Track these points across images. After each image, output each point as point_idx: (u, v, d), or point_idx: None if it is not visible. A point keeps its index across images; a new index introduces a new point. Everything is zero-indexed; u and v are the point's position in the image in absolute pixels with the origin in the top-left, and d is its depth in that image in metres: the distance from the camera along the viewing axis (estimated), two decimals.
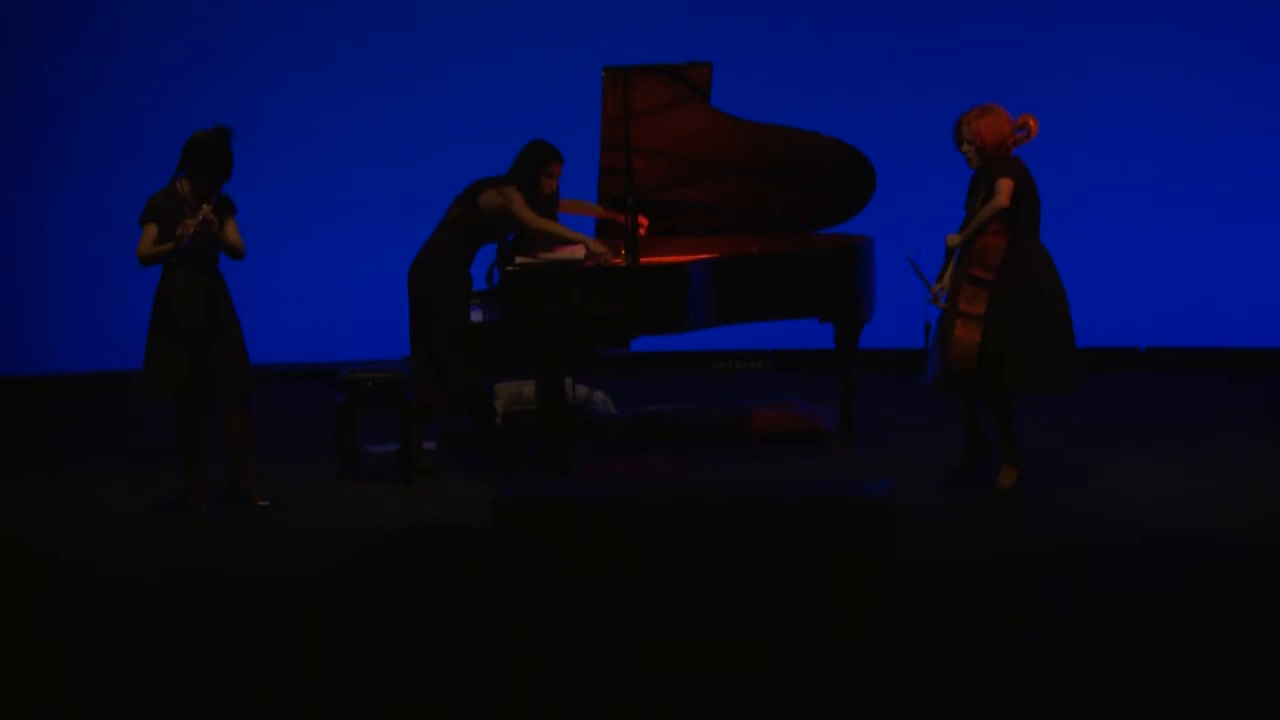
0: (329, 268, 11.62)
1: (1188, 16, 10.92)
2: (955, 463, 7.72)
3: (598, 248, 8.03)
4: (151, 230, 7.45)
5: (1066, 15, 11.00)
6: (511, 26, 11.55)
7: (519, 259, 8.02)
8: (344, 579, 5.30)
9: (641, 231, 8.09)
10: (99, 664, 5.40)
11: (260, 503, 7.69)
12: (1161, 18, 10.94)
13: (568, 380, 8.41)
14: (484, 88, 11.50)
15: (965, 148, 7.42)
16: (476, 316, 7.99)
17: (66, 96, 11.73)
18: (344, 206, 11.64)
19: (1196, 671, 4.98)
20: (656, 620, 5.33)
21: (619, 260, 8.04)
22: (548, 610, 5.38)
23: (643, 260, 7.93)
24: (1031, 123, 7.39)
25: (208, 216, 7.38)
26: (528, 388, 8.70)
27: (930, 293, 7.44)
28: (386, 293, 9.07)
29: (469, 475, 8.25)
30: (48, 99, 11.74)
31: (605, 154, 8.22)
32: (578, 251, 8.10)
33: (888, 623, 5.34)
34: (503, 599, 5.28)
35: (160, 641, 5.62)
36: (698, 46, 9.15)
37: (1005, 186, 7.27)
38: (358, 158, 11.67)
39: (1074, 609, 5.65)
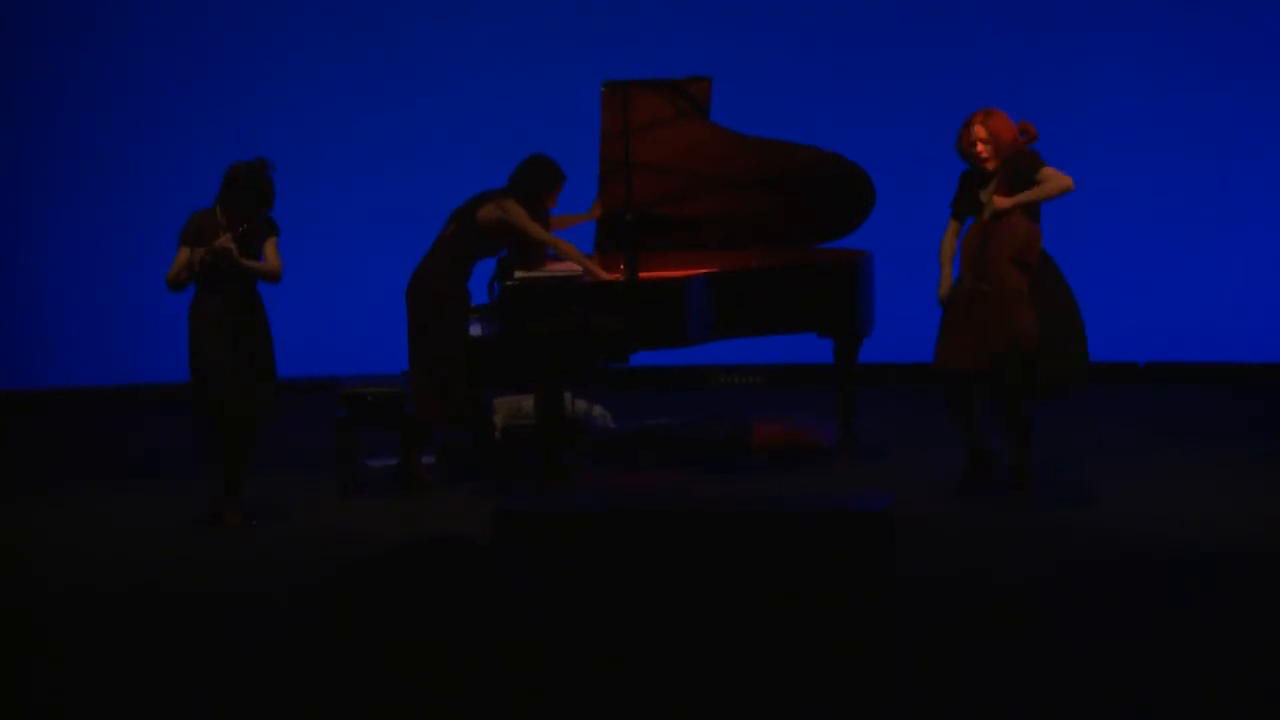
0: (328, 281, 11.62)
1: (1189, 26, 10.93)
2: (966, 474, 7.69)
3: (595, 268, 8.04)
4: (183, 254, 7.50)
5: (1067, 25, 11.01)
6: (512, 40, 11.57)
7: (518, 273, 8.02)
8: (344, 589, 5.30)
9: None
10: (96, 678, 5.40)
11: (230, 525, 7.62)
12: (1162, 27, 10.95)
13: (567, 395, 8.40)
14: (484, 101, 11.52)
15: (981, 148, 7.36)
16: (476, 331, 7.99)
17: (66, 106, 11.75)
18: (343, 220, 11.65)
19: (1195, 681, 4.98)
20: (657, 632, 5.33)
21: (618, 275, 8.05)
22: (548, 622, 5.37)
23: (642, 275, 7.93)
24: (1031, 129, 7.38)
25: (224, 245, 7.42)
26: (527, 402, 8.69)
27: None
28: (386, 307, 9.07)
29: (469, 489, 8.24)
30: (46, 106, 11.75)
31: (604, 168, 8.22)
32: (576, 266, 8.10)
33: (888, 636, 5.34)
34: (502, 612, 5.28)
35: (160, 656, 5.61)
36: (697, 61, 9.16)
37: (1059, 174, 7.27)
38: (358, 171, 11.68)
39: (1074, 621, 5.65)
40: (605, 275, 8.03)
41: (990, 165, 7.38)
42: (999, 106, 7.56)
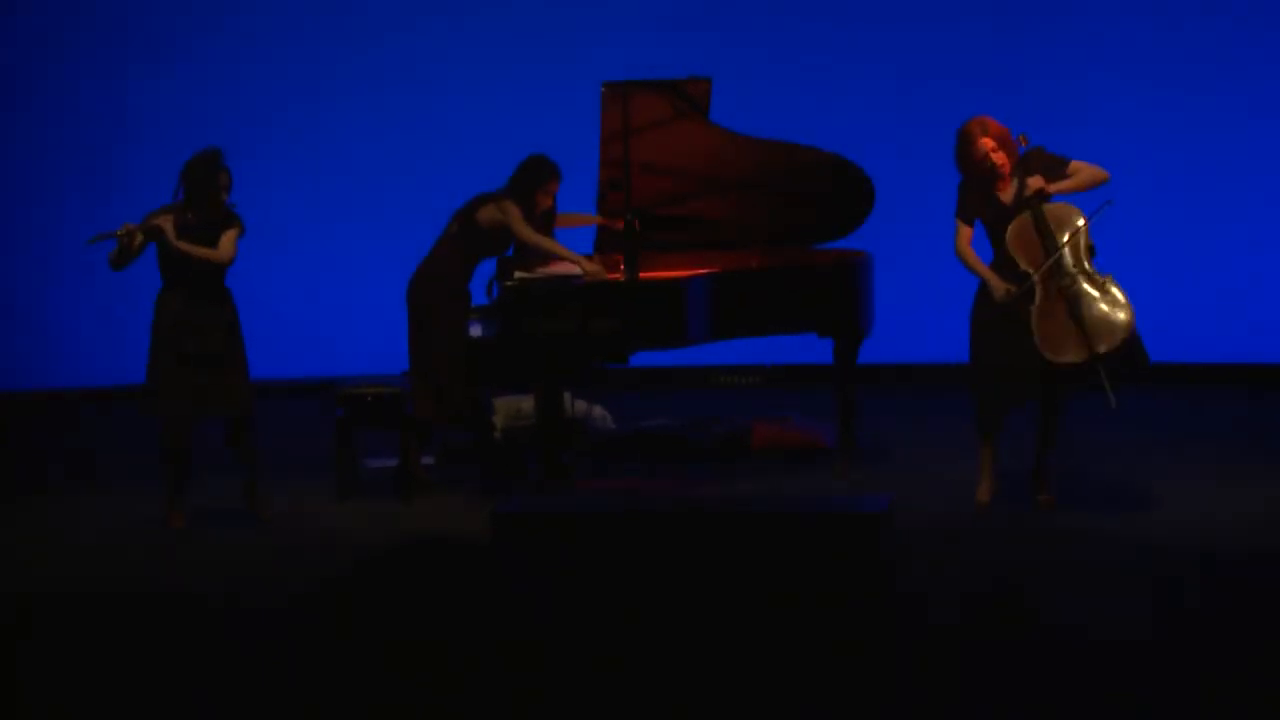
0: (328, 281, 11.63)
1: (1192, 20, 10.93)
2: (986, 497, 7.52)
3: (591, 267, 8.03)
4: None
5: (1067, 25, 11.01)
6: (512, 41, 11.58)
7: (518, 273, 8.02)
8: (344, 589, 5.30)
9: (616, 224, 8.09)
10: (95, 679, 5.40)
11: (265, 517, 7.71)
12: (1166, 26, 10.95)
13: (566, 395, 8.40)
14: (484, 101, 11.52)
15: (997, 157, 7.22)
16: (476, 331, 7.99)
17: (66, 106, 11.75)
18: (343, 220, 11.65)
19: (1195, 681, 4.98)
20: (657, 632, 5.33)
21: (618, 275, 8.05)
22: (548, 622, 5.37)
23: (642, 275, 7.93)
24: (1022, 137, 7.35)
25: (157, 224, 7.48)
26: (526, 403, 8.70)
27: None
28: (386, 307, 9.07)
29: (468, 490, 8.24)
30: (46, 106, 11.76)
31: (604, 169, 8.22)
32: (576, 266, 8.11)
33: (888, 636, 5.34)
34: (502, 612, 5.28)
35: (160, 657, 5.62)
36: (697, 61, 9.16)
37: (1085, 164, 7.23)
38: (357, 171, 11.68)
39: (1074, 621, 5.65)
40: (605, 276, 8.02)
41: (1006, 170, 7.30)
42: (999, 106, 7.54)
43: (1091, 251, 7.24)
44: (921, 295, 10.66)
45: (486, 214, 8.15)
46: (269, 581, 6.68)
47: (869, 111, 11.15)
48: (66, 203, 11.74)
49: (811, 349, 8.81)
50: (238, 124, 11.54)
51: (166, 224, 7.47)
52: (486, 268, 8.32)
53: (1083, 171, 7.26)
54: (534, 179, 8.15)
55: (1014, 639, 5.49)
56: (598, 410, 9.17)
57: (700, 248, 8.60)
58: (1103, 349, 7.10)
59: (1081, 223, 7.19)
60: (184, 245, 7.51)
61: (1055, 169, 7.26)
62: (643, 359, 8.05)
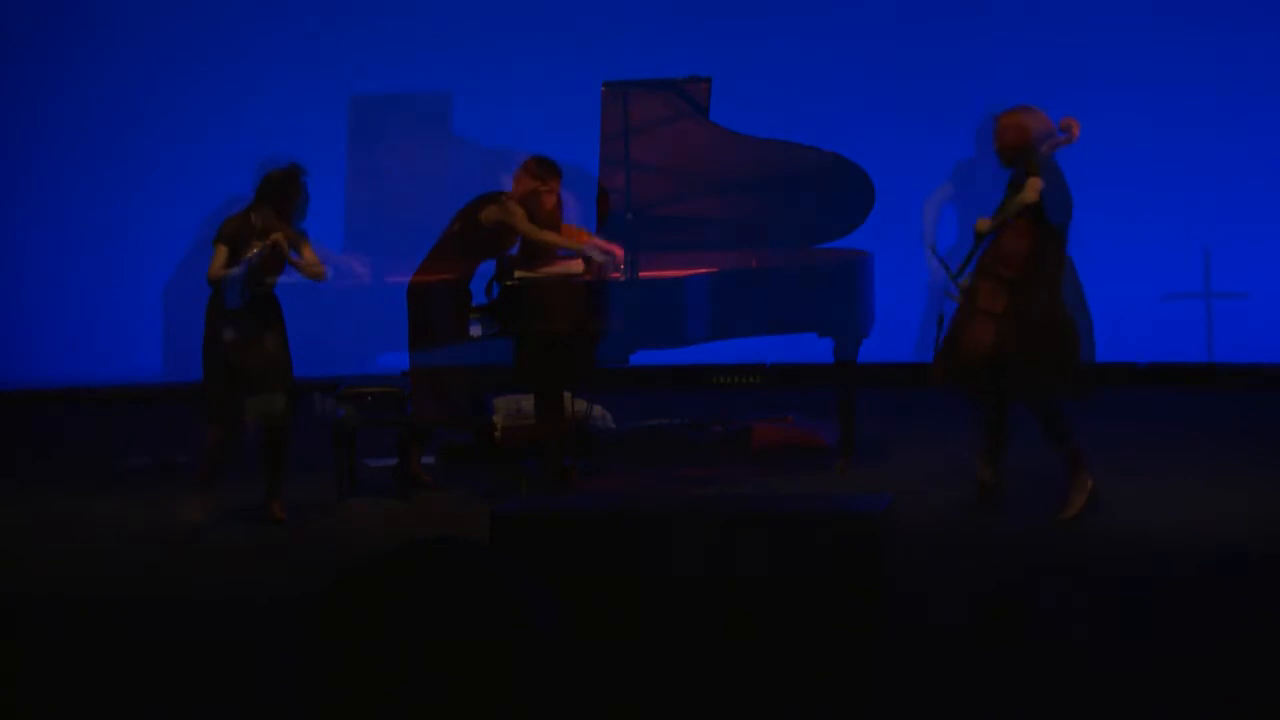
0: (328, 281, 11.60)
1: (1192, 20, 10.94)
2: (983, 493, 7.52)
3: (599, 254, 8.01)
4: (223, 251, 7.54)
5: (1070, 26, 11.02)
6: (513, 39, 11.58)
7: (518, 273, 8.02)
8: (343, 589, 5.28)
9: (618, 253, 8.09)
10: (93, 680, 5.39)
11: (278, 518, 7.72)
12: (1167, 27, 10.96)
13: (567, 395, 8.40)
14: (485, 100, 11.52)
15: (997, 148, 7.36)
16: (475, 331, 7.99)
17: (62, 107, 11.75)
18: (342, 219, 11.64)
19: (1195, 682, 4.98)
20: (657, 632, 5.32)
21: (617, 275, 8.05)
22: (547, 624, 5.37)
23: (642, 275, 7.94)
24: (1073, 125, 7.31)
25: (278, 241, 7.46)
26: (526, 403, 8.69)
27: (955, 286, 7.32)
28: (385, 307, 9.06)
29: (468, 490, 8.24)
30: (45, 107, 11.76)
31: (604, 169, 8.22)
32: (577, 266, 8.11)
33: (887, 636, 5.34)
34: (503, 612, 5.27)
35: (158, 658, 5.61)
36: (697, 61, 9.17)
37: (1034, 184, 7.20)
38: (357, 171, 11.68)
39: (1074, 621, 5.65)
40: (618, 250, 8.01)
41: (1004, 160, 7.35)
42: (1001, 106, 7.54)
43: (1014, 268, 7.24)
44: (921, 295, 10.66)
45: (489, 214, 8.16)
46: (268, 580, 6.68)
47: (869, 111, 11.14)
48: (67, 202, 11.74)
49: (811, 349, 8.80)
50: (238, 124, 11.55)
51: (282, 239, 7.48)
52: (486, 268, 8.33)
53: (1021, 194, 7.22)
54: (534, 178, 8.16)
55: (1014, 639, 5.49)
56: (598, 410, 9.17)
57: (700, 248, 8.60)
58: (970, 370, 7.23)
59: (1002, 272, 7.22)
60: (298, 260, 7.52)
61: (1018, 181, 7.27)
62: (643, 359, 8.05)
